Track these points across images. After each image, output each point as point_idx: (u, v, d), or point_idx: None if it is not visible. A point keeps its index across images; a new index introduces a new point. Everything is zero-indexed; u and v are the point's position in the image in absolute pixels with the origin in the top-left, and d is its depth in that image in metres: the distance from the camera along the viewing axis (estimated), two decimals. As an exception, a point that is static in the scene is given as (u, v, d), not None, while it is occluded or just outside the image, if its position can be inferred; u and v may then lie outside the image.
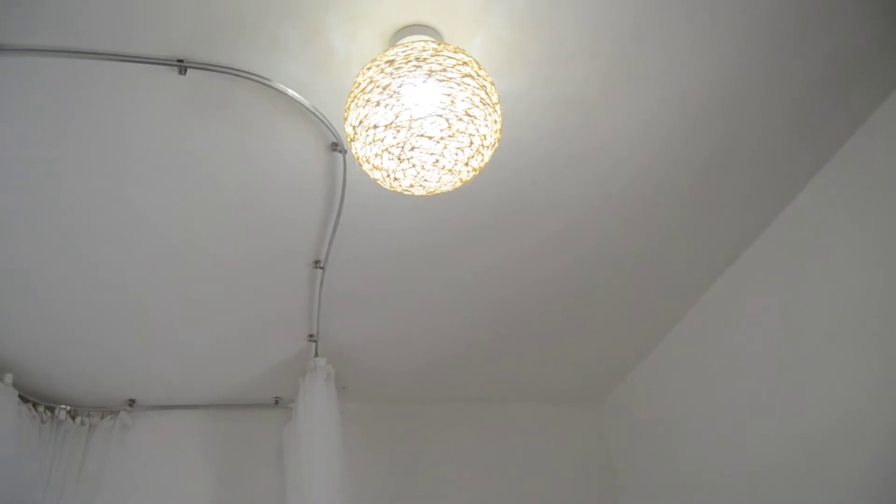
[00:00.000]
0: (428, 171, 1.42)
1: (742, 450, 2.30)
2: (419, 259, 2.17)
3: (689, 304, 2.58)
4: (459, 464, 2.89)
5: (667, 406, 2.74)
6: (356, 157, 1.47)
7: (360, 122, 1.38)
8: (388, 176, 1.45)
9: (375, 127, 1.37)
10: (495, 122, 1.42)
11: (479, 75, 1.38)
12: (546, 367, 2.86)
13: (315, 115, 1.66)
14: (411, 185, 1.47)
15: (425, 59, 1.34)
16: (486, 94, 1.39)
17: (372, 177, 1.48)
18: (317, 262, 2.14)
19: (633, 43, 1.58)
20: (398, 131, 1.36)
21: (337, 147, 1.77)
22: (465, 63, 1.37)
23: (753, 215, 2.17)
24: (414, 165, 1.41)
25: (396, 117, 1.35)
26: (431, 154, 1.39)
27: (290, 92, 1.61)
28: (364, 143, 1.40)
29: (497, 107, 1.42)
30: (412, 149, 1.38)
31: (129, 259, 2.08)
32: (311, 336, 2.46)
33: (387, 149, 1.39)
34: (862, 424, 1.85)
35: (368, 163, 1.44)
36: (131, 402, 2.66)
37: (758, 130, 1.85)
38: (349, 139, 1.45)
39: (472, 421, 3.00)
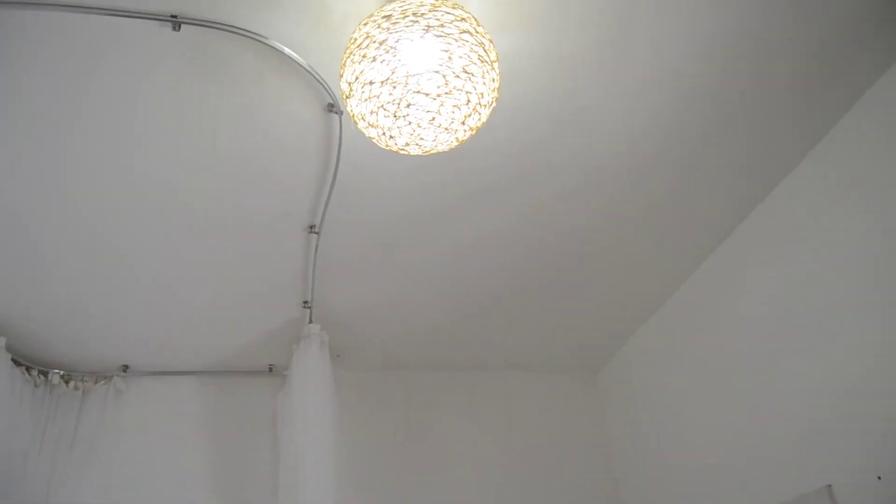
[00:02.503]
0: (424, 129, 1.41)
1: (736, 422, 2.31)
2: (416, 223, 2.16)
3: (685, 275, 2.58)
4: (453, 432, 2.90)
5: (661, 377, 2.75)
6: (351, 114, 1.45)
7: (356, 79, 1.37)
8: (384, 134, 1.43)
9: (371, 83, 1.35)
10: (493, 80, 1.40)
11: (477, 32, 1.36)
12: (542, 336, 2.86)
13: (312, 74, 1.64)
14: (407, 144, 1.45)
15: (423, 14, 1.33)
16: (485, 51, 1.37)
17: (367, 135, 1.47)
18: (312, 226, 2.13)
19: (629, 6, 1.56)
20: (394, 87, 1.35)
21: (333, 108, 1.75)
22: (463, 19, 1.35)
23: (750, 186, 2.16)
24: (410, 123, 1.40)
25: (392, 73, 1.34)
26: (428, 111, 1.38)
27: (287, 50, 1.59)
28: (360, 99, 1.38)
29: (495, 65, 1.40)
30: (408, 105, 1.37)
31: (123, 223, 2.07)
32: (305, 302, 2.45)
33: (382, 105, 1.37)
34: (861, 395, 1.86)
35: (364, 120, 1.43)
36: (125, 368, 2.66)
37: (758, 90, 1.83)
38: (345, 96, 1.43)
39: (466, 390, 3.01)
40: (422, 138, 1.43)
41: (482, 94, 1.39)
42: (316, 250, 2.20)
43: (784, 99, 1.85)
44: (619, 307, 2.73)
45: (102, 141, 1.80)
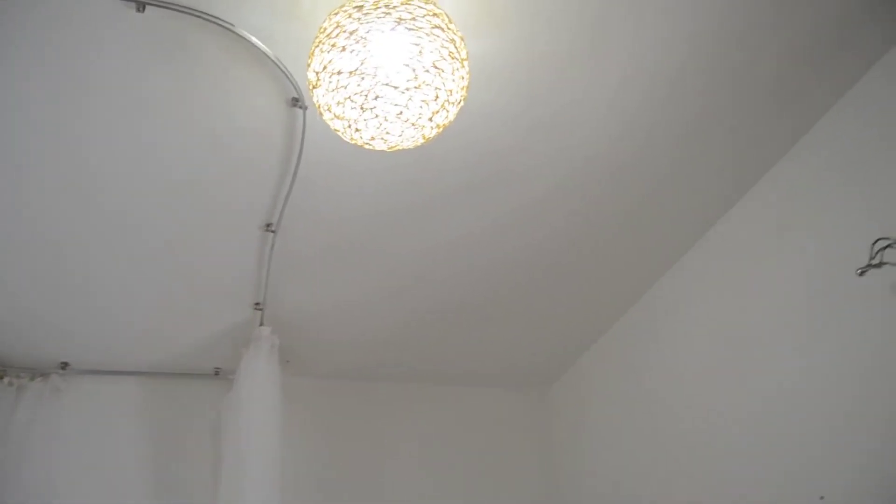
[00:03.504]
0: (391, 123, 1.39)
1: (680, 441, 2.33)
2: (376, 226, 2.13)
3: (637, 296, 2.61)
4: (400, 444, 2.87)
5: (610, 395, 2.76)
6: (317, 105, 1.43)
7: (324, 68, 1.35)
8: (350, 126, 1.41)
9: (339, 73, 1.33)
10: (462, 77, 1.40)
11: (448, 28, 1.36)
12: (495, 350, 2.86)
13: (278, 66, 1.61)
14: (372, 138, 1.43)
15: (395, 6, 1.32)
16: (455, 47, 1.36)
17: (332, 127, 1.45)
18: (268, 224, 2.09)
19: (605, 4, 1.57)
20: (363, 78, 1.33)
21: (297, 102, 1.72)
22: (435, 14, 1.34)
23: (706, 208, 2.20)
24: (377, 116, 1.38)
25: (362, 64, 1.32)
26: (396, 105, 1.36)
27: (254, 39, 1.56)
28: (327, 89, 1.36)
29: (465, 63, 1.40)
30: (376, 98, 1.35)
31: (67, 213, 1.97)
32: (256, 304, 2.40)
33: (350, 97, 1.35)
34: (802, 416, 1.89)
35: (330, 111, 1.40)
36: (64, 365, 2.55)
37: (731, 107, 1.86)
38: (311, 86, 1.41)
39: (416, 402, 2.99)
40: (388, 132, 1.42)
41: (451, 90, 1.38)
42: (271, 250, 2.15)
43: (757, 107, 1.88)
44: (572, 325, 2.74)
45: (47, 125, 1.72)
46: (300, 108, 1.73)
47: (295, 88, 1.68)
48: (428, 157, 1.89)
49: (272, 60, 1.60)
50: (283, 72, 1.63)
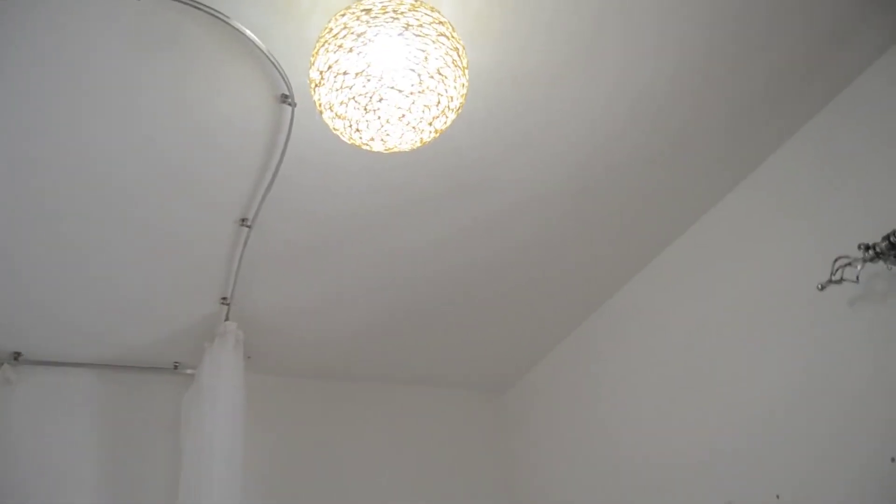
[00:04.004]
0: (392, 125, 1.41)
1: (637, 446, 2.41)
2: (350, 227, 2.14)
3: (597, 304, 2.68)
4: (359, 444, 2.87)
5: (565, 400, 2.83)
6: (318, 104, 1.44)
7: (329, 68, 1.36)
8: (350, 126, 1.43)
9: (345, 73, 1.35)
10: (463, 85, 1.43)
11: (452, 36, 1.39)
12: (456, 353, 2.89)
13: (271, 61, 1.61)
14: (372, 139, 1.45)
15: (402, 12, 1.34)
16: (458, 56, 1.40)
17: (332, 126, 1.46)
18: (244, 219, 2.07)
19: (597, 22, 1.62)
20: (368, 80, 1.35)
21: (287, 99, 1.72)
22: (440, 22, 1.37)
23: (674, 218, 2.28)
24: (379, 118, 1.40)
25: (368, 66, 1.34)
26: (399, 108, 1.39)
27: (248, 33, 1.55)
28: (331, 89, 1.37)
29: (466, 71, 1.43)
30: (380, 100, 1.37)
31: (19, 200, 1.89)
32: (223, 299, 2.37)
33: (354, 97, 1.37)
34: (761, 419, 1.98)
35: (331, 110, 1.42)
36: (16, 356, 2.46)
37: (714, 121, 1.93)
38: (314, 85, 1.42)
39: (376, 402, 2.99)
40: (388, 134, 1.44)
41: (452, 97, 1.42)
42: (245, 245, 2.14)
43: (731, 122, 1.95)
44: (532, 332, 2.80)
45: (30, 112, 1.67)
46: (289, 105, 1.73)
47: (286, 85, 1.68)
48: (407, 161, 1.91)
49: (265, 55, 1.60)
50: (275, 67, 1.63)
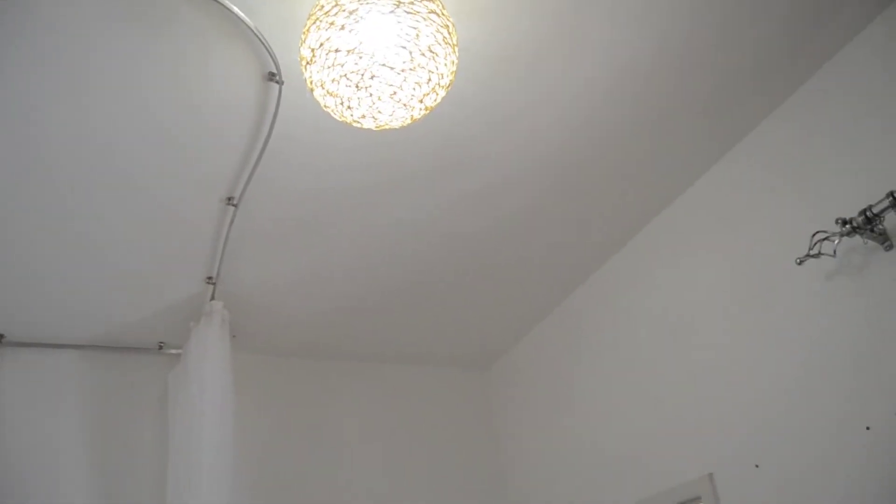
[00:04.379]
0: (384, 102, 1.43)
1: (623, 416, 2.46)
2: (339, 203, 2.15)
3: (579, 281, 2.72)
4: (347, 422, 2.91)
5: (550, 374, 2.88)
6: (309, 81, 1.45)
7: (321, 45, 1.36)
8: (342, 104, 1.43)
9: (337, 51, 1.35)
10: (453, 62, 1.44)
11: (443, 13, 1.40)
12: (442, 329, 2.93)
13: (259, 38, 1.60)
14: (363, 116, 1.46)
15: (393, -11, 1.34)
16: (448, 33, 1.41)
17: (323, 103, 1.47)
18: (230, 198, 2.08)
19: (580, 3, 1.63)
20: (360, 57, 1.36)
21: (274, 77, 1.72)
22: (431, -1, 1.38)
23: (657, 193, 2.32)
24: (371, 95, 1.41)
25: (360, 44, 1.35)
26: (390, 85, 1.40)
27: (235, 9, 1.55)
28: (322, 66, 1.38)
29: (455, 48, 1.44)
30: (372, 77, 1.38)
31: (4, 176, 1.88)
32: (209, 278, 2.37)
33: (346, 74, 1.38)
34: (741, 390, 2.03)
35: (322, 88, 1.42)
36: (-1, 337, 2.46)
37: (695, 97, 1.96)
38: (305, 62, 1.42)
39: (363, 379, 3.03)
40: (379, 111, 1.45)
41: (442, 74, 1.43)
42: (231, 224, 2.14)
43: (707, 105, 1.99)
44: (517, 306, 2.83)
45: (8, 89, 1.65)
46: (276, 82, 1.73)
47: (274, 62, 1.68)
48: (394, 139, 1.92)
49: (253, 32, 1.59)
50: (263, 45, 1.62)
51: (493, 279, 2.63)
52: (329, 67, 1.38)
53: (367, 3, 1.33)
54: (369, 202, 2.16)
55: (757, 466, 1.93)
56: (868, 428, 1.68)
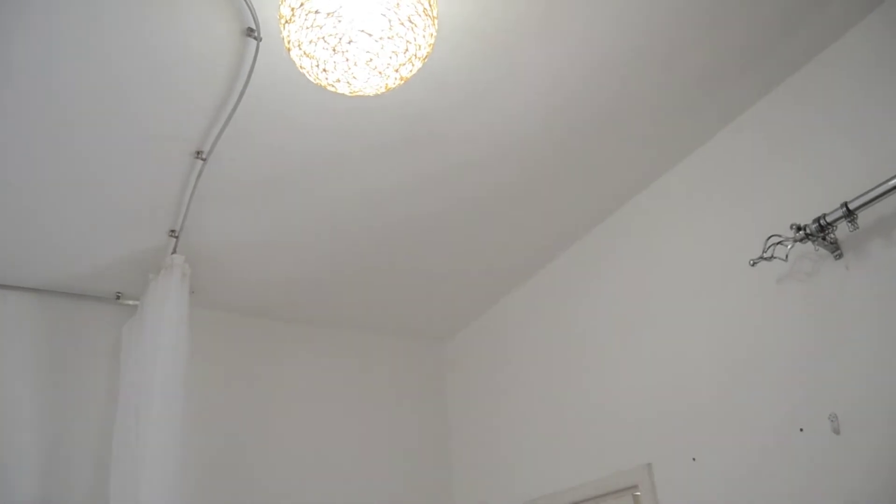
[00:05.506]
0: (359, 68, 1.43)
1: (568, 402, 2.51)
2: (310, 166, 2.14)
3: (544, 262, 2.76)
4: (299, 384, 2.92)
5: (503, 353, 2.92)
6: (286, 41, 1.44)
7: (301, 5, 1.36)
8: (317, 66, 1.44)
9: (317, 12, 1.36)
10: (431, 35, 1.45)
11: (425, -15, 1.41)
12: (400, 300, 2.96)
13: (239, -7, 1.60)
14: (338, 80, 1.47)
15: (378, -44, 1.35)
16: (429, 4, 1.41)
17: (299, 64, 1.47)
18: (199, 152, 2.06)
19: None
20: (339, 21, 1.36)
21: (252, 33, 1.71)
22: (415, -30, 1.39)
23: (621, 185, 2.36)
24: (347, 60, 1.41)
25: (340, 7, 1.35)
26: (367, 52, 1.40)
27: (219, -37, 1.54)
28: (301, 27, 1.38)
29: (436, 21, 1.45)
30: (349, 42, 1.38)
31: None
32: (172, 231, 2.36)
33: (324, 37, 1.38)
34: (681, 385, 2.09)
35: (300, 48, 1.42)
36: (-48, 275, 2.42)
37: (662, 93, 1.98)
38: (283, 21, 1.42)
39: (320, 344, 3.05)
40: (354, 77, 1.45)
41: (420, 45, 1.44)
42: (198, 178, 2.13)
43: (683, 97, 2.01)
44: (477, 283, 2.87)
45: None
46: (255, 38, 1.72)
47: (253, 19, 1.67)
48: (368, 106, 1.92)
49: (234, -13, 1.59)
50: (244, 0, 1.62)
51: (455, 256, 2.66)
52: (308, 28, 1.38)
53: (350, -33, 1.33)
54: (338, 169, 2.16)
55: (694, 459, 1.99)
56: (802, 430, 1.74)
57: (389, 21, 1.37)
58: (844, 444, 1.65)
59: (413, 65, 1.47)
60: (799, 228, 1.75)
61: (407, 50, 1.43)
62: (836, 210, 1.67)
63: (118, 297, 2.66)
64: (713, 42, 1.83)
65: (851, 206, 1.64)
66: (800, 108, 1.91)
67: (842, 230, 1.72)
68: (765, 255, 1.84)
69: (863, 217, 1.66)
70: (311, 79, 1.49)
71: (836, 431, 1.67)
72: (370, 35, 1.38)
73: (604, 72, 1.90)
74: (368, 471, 2.90)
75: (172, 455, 2.15)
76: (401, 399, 3.11)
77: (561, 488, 2.43)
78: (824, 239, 1.73)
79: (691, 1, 1.71)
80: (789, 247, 1.79)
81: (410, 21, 1.39)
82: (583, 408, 2.44)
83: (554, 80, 1.91)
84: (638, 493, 2.14)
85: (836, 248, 1.74)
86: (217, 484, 2.57)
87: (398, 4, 1.36)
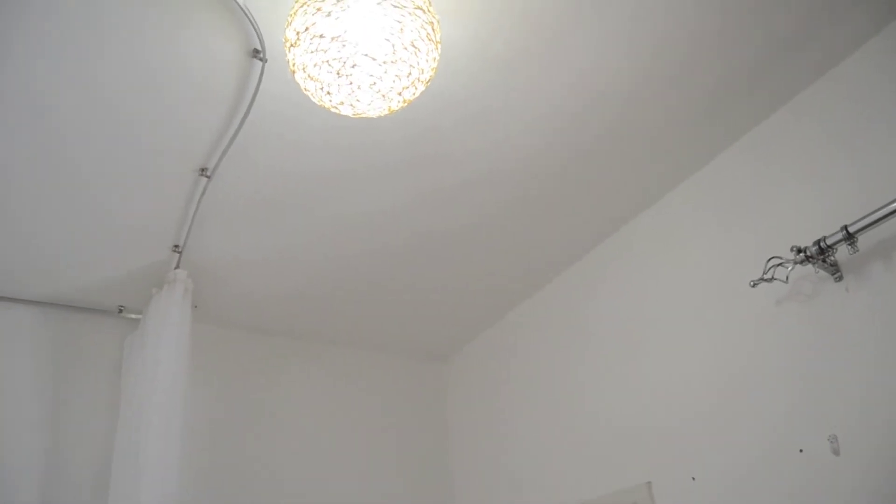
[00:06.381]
0: (363, 91, 1.45)
1: (569, 421, 2.51)
2: (313, 185, 2.16)
3: (543, 282, 2.77)
4: (298, 401, 2.92)
5: (503, 373, 2.92)
6: (291, 63, 1.46)
7: (306, 29, 1.38)
8: (322, 89, 1.45)
9: (322, 37, 1.37)
10: (434, 59, 1.47)
11: (428, 10, 1.42)
12: (403, 320, 2.97)
13: (245, 14, 1.61)
14: (341, 103, 1.48)
15: (382, -19, 1.36)
16: (433, 30, 1.43)
17: (303, 86, 1.48)
18: (203, 169, 2.08)
19: (567, 8, 1.66)
20: (344, 45, 1.38)
21: (258, 54, 1.73)
22: (419, -5, 1.40)
23: (623, 207, 2.37)
24: (351, 83, 1.43)
25: (345, 32, 1.37)
26: (371, 76, 1.42)
27: (226, -15, 1.56)
28: (306, 50, 1.40)
29: (438, 46, 1.47)
30: (353, 66, 1.40)
31: None
32: (175, 246, 2.37)
33: (328, 61, 1.40)
34: (682, 404, 2.09)
35: (304, 71, 1.44)
36: (-44, 288, 2.43)
37: (664, 115, 2.00)
38: (289, 45, 1.44)
39: (319, 361, 3.04)
40: (358, 100, 1.47)
41: (423, 70, 1.45)
42: (203, 195, 2.14)
43: (687, 118, 2.03)
44: (477, 303, 2.88)
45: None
46: (260, 60, 1.74)
47: (259, 40, 1.69)
48: (372, 127, 1.94)
49: (241, 7, 1.60)
50: (250, 22, 1.63)
51: (456, 275, 2.67)
52: (312, 52, 1.40)
53: (355, -7, 1.35)
54: (341, 189, 2.18)
55: (694, 479, 1.99)
56: (801, 451, 1.74)
57: (393, 46, 1.39)
58: (844, 465, 1.65)
59: (416, 88, 1.49)
60: (799, 251, 1.76)
61: (410, 74, 1.44)
62: (837, 233, 1.68)
63: (121, 311, 2.67)
64: (715, 65, 1.85)
65: (851, 230, 1.65)
66: (801, 130, 1.92)
67: (842, 253, 1.73)
68: (765, 277, 1.84)
69: (863, 240, 1.67)
70: (316, 101, 1.50)
71: (836, 452, 1.67)
72: (374, 59, 1.39)
73: (606, 94, 1.91)
74: (368, 488, 2.89)
75: (172, 469, 2.15)
76: (402, 416, 3.11)
77: (561, 506, 2.43)
78: (824, 261, 1.74)
79: (694, 28, 1.73)
80: (790, 268, 1.80)
81: (413, 46, 1.40)
82: (583, 426, 2.44)
83: (556, 102, 1.92)
84: (638, 512, 2.14)
85: (836, 271, 1.75)
86: (216, 499, 2.57)
87: (402, 29, 1.38)
